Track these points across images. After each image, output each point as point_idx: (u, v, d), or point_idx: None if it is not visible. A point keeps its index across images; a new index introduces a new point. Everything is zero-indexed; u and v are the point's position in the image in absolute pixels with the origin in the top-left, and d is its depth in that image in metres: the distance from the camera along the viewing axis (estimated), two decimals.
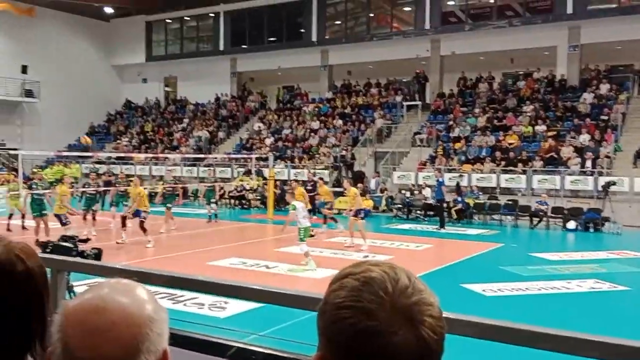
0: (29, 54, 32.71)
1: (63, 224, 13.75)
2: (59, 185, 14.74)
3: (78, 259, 3.48)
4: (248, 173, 25.43)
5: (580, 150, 21.46)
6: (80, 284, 5.71)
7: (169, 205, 17.17)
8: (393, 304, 0.83)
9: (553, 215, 19.20)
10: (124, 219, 14.19)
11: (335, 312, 0.85)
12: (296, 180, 18.99)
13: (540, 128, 23.56)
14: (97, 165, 29.21)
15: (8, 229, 15.55)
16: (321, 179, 19.40)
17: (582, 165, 20.85)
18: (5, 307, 1.26)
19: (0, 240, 1.35)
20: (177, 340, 2.22)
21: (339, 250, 13.76)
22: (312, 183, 22.15)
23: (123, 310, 0.91)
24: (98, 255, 6.06)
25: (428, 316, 0.84)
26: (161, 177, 28.48)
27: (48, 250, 5.41)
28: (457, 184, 20.84)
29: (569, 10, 24.71)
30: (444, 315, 0.88)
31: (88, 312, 0.91)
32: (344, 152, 26.30)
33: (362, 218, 14.30)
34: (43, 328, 1.32)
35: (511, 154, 22.42)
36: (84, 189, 17.62)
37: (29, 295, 1.29)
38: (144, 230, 13.84)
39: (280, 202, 23.49)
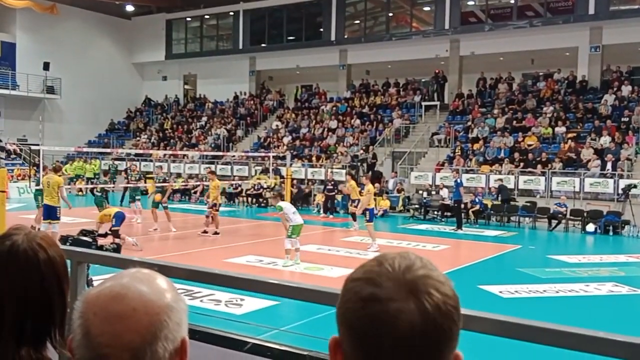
0: (51, 51, 33.10)
1: (56, 218, 12.36)
2: (51, 174, 12.90)
3: (98, 252, 3.52)
4: (265, 171, 25.50)
5: (600, 153, 21.20)
6: (100, 279, 5.79)
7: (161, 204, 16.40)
8: (398, 276, 0.85)
9: (572, 217, 19.01)
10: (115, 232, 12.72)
11: (345, 288, 0.88)
12: (212, 172, 17.46)
13: (560, 129, 23.32)
14: (117, 162, 29.48)
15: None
16: (349, 174, 19.00)
17: (603, 167, 20.59)
18: (28, 293, 1.28)
19: (21, 229, 1.37)
20: (194, 333, 2.24)
21: (354, 249, 13.75)
22: (332, 183, 22.09)
23: (142, 298, 0.92)
24: (117, 249, 6.14)
25: (434, 289, 0.84)
26: (179, 175, 28.78)
27: (68, 243, 5.49)
28: (502, 186, 20.61)
29: (591, 10, 24.41)
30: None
31: (108, 299, 0.92)
32: (361, 152, 26.26)
33: (369, 220, 13.98)
34: (63, 316, 1.34)
35: (530, 156, 22.22)
36: (93, 186, 17.28)
37: (51, 283, 1.31)
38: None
39: (297, 201, 23.56)
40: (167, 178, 18.99)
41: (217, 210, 15.59)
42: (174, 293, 0.97)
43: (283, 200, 13.75)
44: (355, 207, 17.46)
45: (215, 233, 15.26)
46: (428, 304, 0.82)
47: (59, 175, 13.23)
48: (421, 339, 0.82)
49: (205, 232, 15.28)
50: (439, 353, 0.84)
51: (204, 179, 26.20)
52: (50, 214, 12.45)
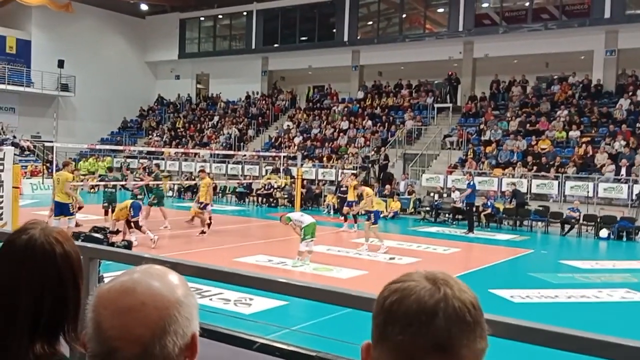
0: (65, 48, 33.37)
1: (69, 214, 12.31)
2: (61, 171, 13.14)
3: (111, 248, 3.54)
4: (276, 171, 25.55)
5: (614, 157, 21.03)
6: (111, 275, 5.81)
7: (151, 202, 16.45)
8: (423, 273, 0.95)
9: (585, 222, 18.85)
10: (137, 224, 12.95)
11: (379, 295, 0.96)
12: (202, 170, 17.09)
13: (574, 134, 23.14)
14: (129, 160, 29.67)
15: None
16: (353, 174, 18.86)
17: (617, 172, 20.42)
18: (44, 287, 1.29)
19: (38, 223, 1.39)
20: (203, 331, 2.24)
21: (364, 250, 13.70)
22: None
23: (152, 292, 0.93)
24: (128, 247, 6.16)
25: (453, 281, 0.92)
26: (191, 173, 28.89)
27: (80, 240, 5.51)
28: (516, 190, 20.49)
29: (607, 14, 24.21)
30: None
31: (119, 293, 0.94)
32: (372, 153, 26.22)
33: (374, 223, 13.91)
34: (76, 311, 1.34)
35: (543, 159, 22.07)
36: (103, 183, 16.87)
37: (67, 276, 1.32)
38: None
39: (307, 202, 23.57)
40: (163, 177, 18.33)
41: (204, 209, 15.01)
42: (185, 289, 0.98)
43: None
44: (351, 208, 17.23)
45: (203, 231, 14.89)
46: (444, 287, 0.90)
47: (70, 172, 13.18)
48: (433, 313, 0.88)
49: (203, 232, 14.88)
50: (450, 341, 0.87)
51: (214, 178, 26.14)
52: (63, 210, 12.35)
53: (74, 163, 16.71)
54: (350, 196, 17.09)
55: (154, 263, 1.04)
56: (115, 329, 0.91)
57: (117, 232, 7.58)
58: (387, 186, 23.20)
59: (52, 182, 13.15)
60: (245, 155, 28.65)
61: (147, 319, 0.91)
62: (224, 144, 31.42)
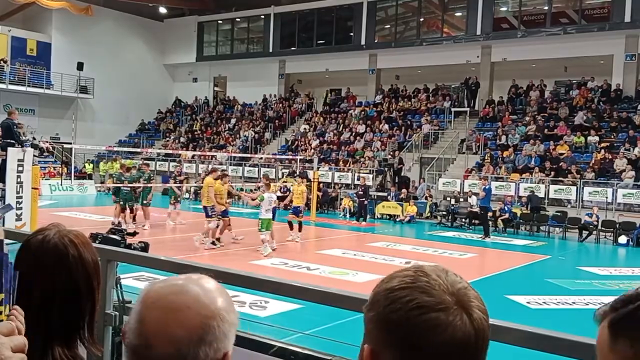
0: (85, 51, 33.70)
1: (208, 216, 13.69)
2: (207, 177, 14.72)
3: (128, 250, 3.57)
4: (292, 174, 25.57)
5: (634, 163, 20.77)
6: (127, 277, 5.85)
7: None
8: (447, 288, 0.86)
9: (604, 228, 18.63)
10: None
11: (389, 295, 0.87)
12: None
13: (593, 139, 22.89)
14: (147, 162, 29.83)
15: None
16: (302, 177, 17.34)
17: (637, 178, 20.16)
18: (54, 287, 1.31)
19: (56, 226, 1.41)
20: None
21: (380, 254, 13.69)
22: (363, 188, 21.55)
23: (199, 299, 0.95)
24: (144, 248, 6.19)
25: (476, 302, 0.87)
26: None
27: (98, 241, 5.55)
28: (529, 195, 20.36)
29: (627, 18, 23.94)
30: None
31: (169, 292, 0.96)
32: (388, 157, 26.15)
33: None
34: (92, 314, 1.36)
35: (561, 164, 21.85)
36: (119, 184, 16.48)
37: (79, 279, 1.34)
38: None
39: (324, 205, 23.56)
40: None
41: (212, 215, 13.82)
42: (228, 305, 0.99)
43: (269, 190, 13.33)
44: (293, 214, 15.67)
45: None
46: (475, 316, 0.86)
47: (214, 178, 14.19)
48: (471, 349, 0.84)
49: (218, 239, 13.90)
50: None
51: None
52: (206, 212, 13.75)
53: (220, 170, 16.40)
54: (298, 201, 15.71)
55: (170, 265, 1.06)
56: (155, 325, 0.93)
57: (134, 233, 7.61)
58: (404, 190, 23.13)
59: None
60: (261, 158, 28.72)
61: (187, 322, 0.93)
62: (240, 147, 31.53)
